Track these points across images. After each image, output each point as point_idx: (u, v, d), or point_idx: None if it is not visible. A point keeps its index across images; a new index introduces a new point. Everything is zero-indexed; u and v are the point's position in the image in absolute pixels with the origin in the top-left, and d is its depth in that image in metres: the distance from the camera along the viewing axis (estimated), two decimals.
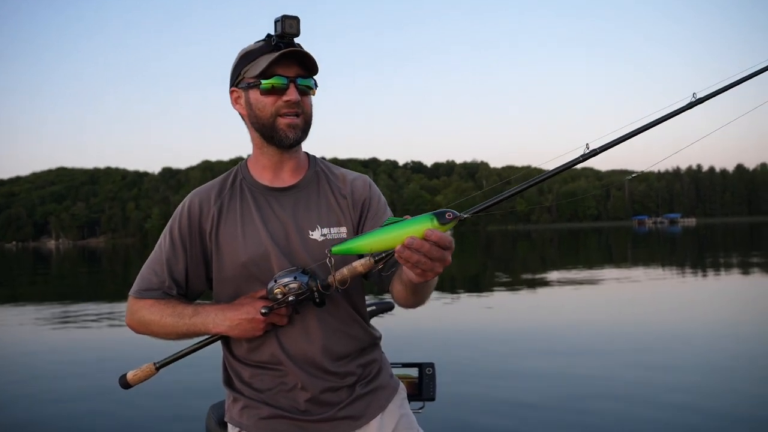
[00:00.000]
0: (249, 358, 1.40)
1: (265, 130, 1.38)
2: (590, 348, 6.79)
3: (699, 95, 1.42)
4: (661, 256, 23.59)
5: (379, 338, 1.54)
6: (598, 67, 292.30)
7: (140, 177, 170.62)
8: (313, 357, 1.37)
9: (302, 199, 1.44)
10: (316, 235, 1.40)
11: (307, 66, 1.37)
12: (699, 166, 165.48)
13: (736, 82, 1.47)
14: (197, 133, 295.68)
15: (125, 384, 1.42)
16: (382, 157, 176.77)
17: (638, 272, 16.63)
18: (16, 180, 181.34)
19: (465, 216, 1.12)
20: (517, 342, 7.27)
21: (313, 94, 1.41)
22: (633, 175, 1.37)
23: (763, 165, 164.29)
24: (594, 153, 1.35)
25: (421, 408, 1.90)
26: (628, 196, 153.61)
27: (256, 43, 1.38)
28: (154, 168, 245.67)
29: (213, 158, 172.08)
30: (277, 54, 1.31)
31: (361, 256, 1.25)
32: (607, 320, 8.92)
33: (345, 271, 1.26)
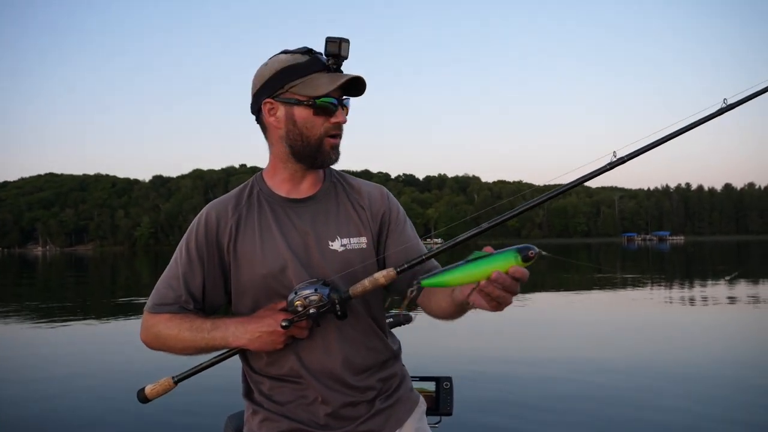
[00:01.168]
0: (269, 371, 1.39)
1: (308, 149, 1.37)
2: (608, 361, 6.70)
3: (730, 101, 1.36)
4: (653, 271, 23.68)
5: (399, 351, 1.53)
6: (593, 81, 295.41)
7: (130, 184, 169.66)
8: (333, 371, 1.36)
9: (321, 210, 1.43)
10: (336, 245, 1.40)
11: (351, 89, 1.37)
12: (688, 185, 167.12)
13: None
14: (189, 142, 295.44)
15: (144, 398, 1.40)
16: (374, 170, 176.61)
17: (642, 287, 16.62)
18: (4, 185, 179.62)
19: (545, 254, 1.11)
20: (535, 356, 7.14)
21: (347, 114, 1.41)
22: None
23: (750, 184, 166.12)
24: (622, 161, 1.29)
25: (437, 422, 1.89)
26: (618, 213, 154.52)
27: (292, 55, 1.35)
28: (145, 176, 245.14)
29: (204, 167, 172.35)
30: (343, 80, 1.32)
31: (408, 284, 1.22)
32: (619, 332, 8.89)
33: (366, 282, 1.27)
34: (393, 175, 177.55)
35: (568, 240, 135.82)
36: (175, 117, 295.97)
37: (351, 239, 1.41)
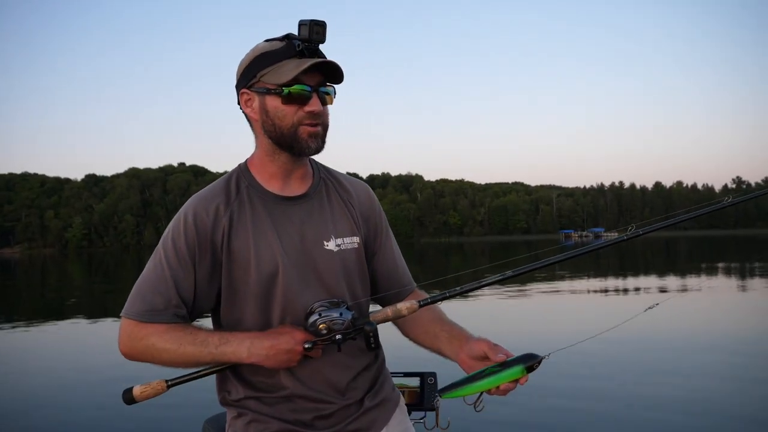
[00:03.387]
0: (255, 376, 1.35)
1: (283, 139, 1.31)
2: (592, 352, 6.68)
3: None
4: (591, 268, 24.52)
5: (381, 349, 1.53)
6: (543, 80, 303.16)
7: (61, 184, 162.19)
8: (326, 376, 1.35)
9: (315, 209, 1.40)
10: (331, 245, 1.38)
11: (331, 75, 1.32)
12: (621, 183, 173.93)
13: None
14: (124, 139, 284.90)
15: (130, 399, 1.27)
16: None
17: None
18: None
19: (546, 357, 1.27)
20: (516, 349, 7.01)
21: (331, 103, 1.35)
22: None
23: (678, 183, 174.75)
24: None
25: (422, 418, 1.90)
26: (555, 211, 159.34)
27: (270, 42, 1.31)
28: (77, 174, 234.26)
29: (140, 165, 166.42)
30: (307, 65, 1.25)
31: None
32: (604, 323, 8.96)
33: (389, 312, 1.29)
34: None
35: (508, 237, 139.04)
36: (109, 113, 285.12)
37: (345, 239, 1.40)
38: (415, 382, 1.94)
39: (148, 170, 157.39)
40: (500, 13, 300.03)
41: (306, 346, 1.23)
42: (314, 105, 1.29)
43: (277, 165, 1.37)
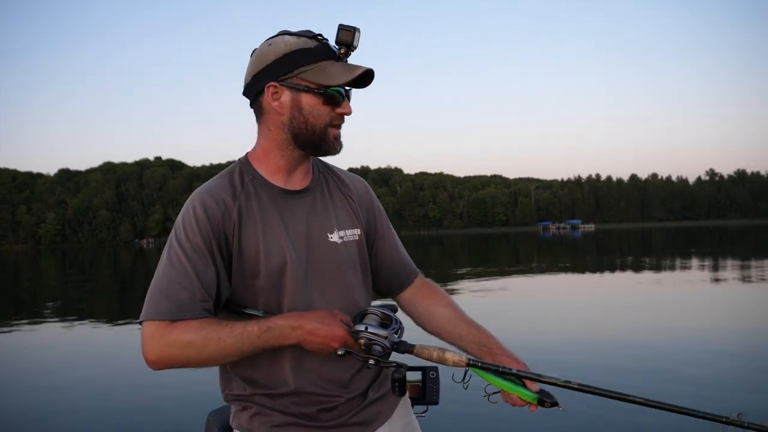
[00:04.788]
0: (259, 372, 1.35)
1: (313, 138, 1.33)
2: (589, 344, 6.68)
3: None
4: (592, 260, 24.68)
5: None
6: (512, 72, 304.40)
7: (33, 178, 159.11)
8: (329, 371, 1.35)
9: (318, 202, 1.41)
10: (335, 237, 1.39)
11: (360, 81, 1.35)
12: (598, 176, 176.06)
13: None
14: (99, 132, 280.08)
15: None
16: None
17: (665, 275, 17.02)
18: None
19: (562, 409, 1.26)
20: (519, 343, 7.01)
21: None
22: None
23: (653, 175, 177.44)
24: None
25: (424, 412, 1.89)
26: (534, 203, 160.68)
27: (300, 38, 1.30)
28: (50, 169, 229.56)
29: (116, 159, 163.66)
30: (360, 72, 1.29)
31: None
32: (601, 313, 9.04)
33: (434, 354, 1.27)
34: None
35: (488, 229, 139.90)
36: (84, 106, 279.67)
37: (347, 231, 1.42)
38: (417, 376, 1.91)
39: (123, 164, 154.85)
40: (482, 9, 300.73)
41: (339, 353, 1.22)
42: (347, 108, 1.33)
43: (287, 159, 1.37)
